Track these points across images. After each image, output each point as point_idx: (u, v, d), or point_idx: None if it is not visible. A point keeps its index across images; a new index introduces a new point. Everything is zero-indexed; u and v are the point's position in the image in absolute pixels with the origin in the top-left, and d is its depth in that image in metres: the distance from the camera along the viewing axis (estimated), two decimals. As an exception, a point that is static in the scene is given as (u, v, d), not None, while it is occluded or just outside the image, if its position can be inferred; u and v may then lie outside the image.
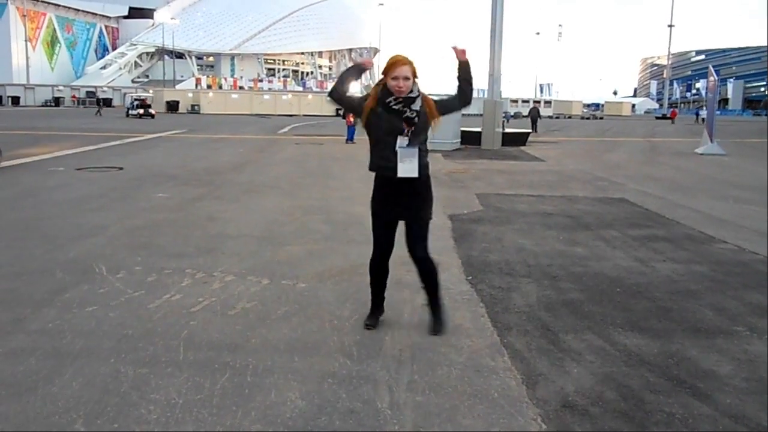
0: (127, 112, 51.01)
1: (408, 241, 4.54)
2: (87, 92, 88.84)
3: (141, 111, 48.50)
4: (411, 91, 4.31)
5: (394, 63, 4.29)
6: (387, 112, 4.33)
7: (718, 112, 32.74)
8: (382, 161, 4.39)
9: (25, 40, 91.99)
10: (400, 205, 4.46)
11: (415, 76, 4.32)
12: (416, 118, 4.33)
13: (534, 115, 41.73)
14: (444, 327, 4.64)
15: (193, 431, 3.23)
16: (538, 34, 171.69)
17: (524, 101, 75.15)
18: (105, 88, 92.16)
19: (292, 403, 3.52)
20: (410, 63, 4.32)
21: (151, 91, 70.26)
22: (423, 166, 4.40)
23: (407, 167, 4.33)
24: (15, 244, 7.11)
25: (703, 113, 68.19)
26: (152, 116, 48.53)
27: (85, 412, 3.36)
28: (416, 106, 4.34)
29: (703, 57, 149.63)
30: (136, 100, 52.30)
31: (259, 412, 3.41)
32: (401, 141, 4.32)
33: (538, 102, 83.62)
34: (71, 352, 4.14)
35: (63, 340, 4.36)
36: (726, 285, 6.04)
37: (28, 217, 8.72)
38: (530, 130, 31.95)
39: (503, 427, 3.34)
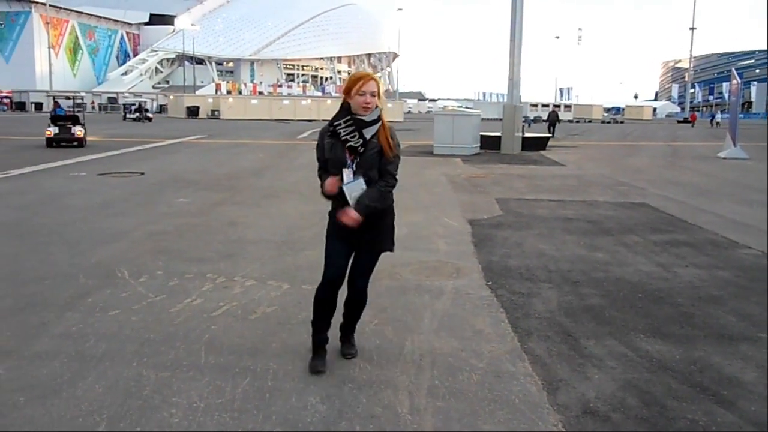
0: (124, 115, 54.64)
1: (352, 270, 4.06)
2: (108, 98, 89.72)
3: (138, 114, 52.44)
4: (372, 114, 3.80)
5: (360, 78, 3.83)
6: (332, 139, 3.86)
7: (741, 116, 32.37)
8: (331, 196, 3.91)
9: (48, 47, 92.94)
10: (354, 235, 3.90)
11: (380, 96, 3.84)
12: (361, 147, 3.78)
13: (552, 119, 41.22)
14: (356, 350, 4.30)
15: (215, 435, 3.25)
16: (557, 37, 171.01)
17: (544, 105, 74.85)
18: (126, 94, 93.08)
19: (312, 407, 3.53)
20: (377, 80, 3.89)
21: (169, 97, 71.34)
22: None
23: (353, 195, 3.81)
24: (39, 249, 7.20)
25: (719, 117, 67.83)
26: (149, 119, 51.72)
27: (108, 415, 3.40)
28: (369, 132, 3.80)
29: (726, 60, 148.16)
30: (132, 104, 56.71)
31: (280, 416, 3.42)
32: (346, 175, 3.81)
33: (558, 106, 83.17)
34: (94, 356, 4.18)
35: (86, 343, 4.41)
36: (750, 291, 5.97)
37: (52, 222, 8.82)
38: (550, 135, 31.77)
39: (524, 433, 3.33)
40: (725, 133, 25.99)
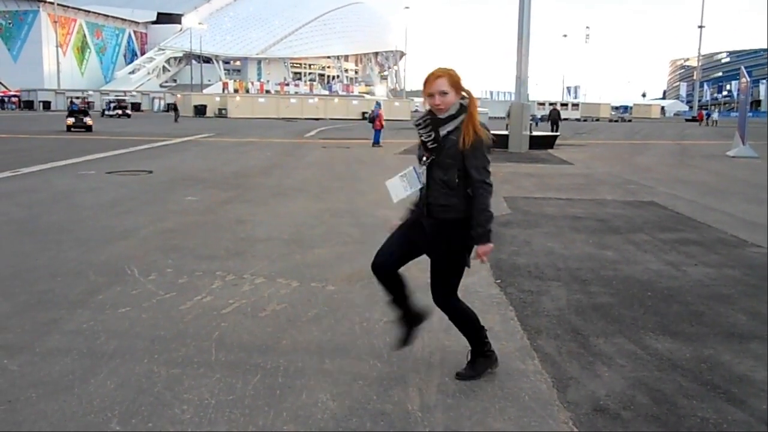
0: (103, 112, 59.94)
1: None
2: (116, 97, 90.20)
3: (119, 111, 58.61)
4: (449, 110, 3.62)
5: (428, 78, 3.65)
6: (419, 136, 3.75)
7: (750, 114, 32.19)
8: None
9: (56, 46, 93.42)
10: (421, 241, 3.84)
11: (458, 89, 3.64)
12: (435, 145, 3.63)
13: (554, 118, 40.01)
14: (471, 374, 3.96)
15: (226, 431, 3.26)
16: (565, 36, 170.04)
17: (551, 104, 74.65)
18: (134, 93, 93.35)
19: (323, 404, 3.54)
20: (448, 74, 3.65)
21: (177, 95, 71.67)
22: (444, 207, 3.66)
23: (397, 189, 3.81)
24: (50, 247, 7.24)
25: (716, 115, 68.03)
26: (128, 116, 57.92)
27: (120, 412, 3.41)
28: (445, 129, 3.63)
29: (733, 58, 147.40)
30: (111, 102, 63.27)
31: (291, 413, 3.44)
32: (419, 168, 3.75)
33: (565, 104, 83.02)
34: (106, 353, 4.21)
35: (97, 340, 4.43)
36: (760, 289, 5.95)
37: (62, 220, 8.87)
38: (558, 133, 31.65)
39: (535, 430, 3.33)
40: (733, 131, 25.89)
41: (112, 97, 71.51)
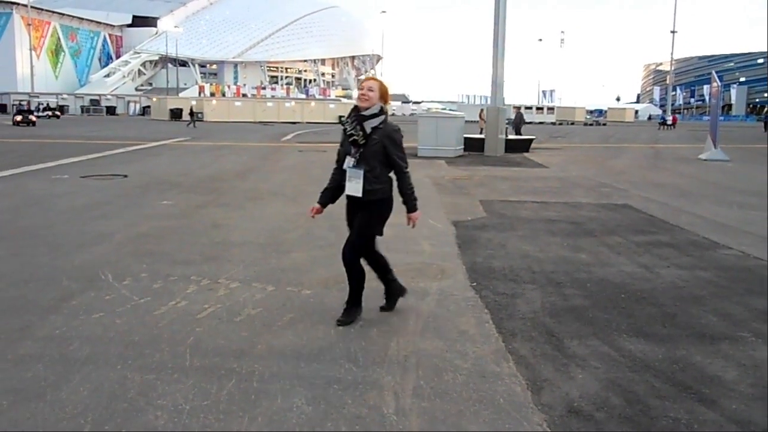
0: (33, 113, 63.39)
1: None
2: (91, 100, 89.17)
3: (49, 113, 65.86)
4: (372, 109, 4.64)
5: (363, 80, 4.83)
6: (344, 133, 4.75)
7: (721, 118, 32.60)
8: (343, 179, 4.84)
9: (30, 49, 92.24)
10: (354, 215, 4.93)
11: (383, 97, 4.70)
12: (362, 140, 4.63)
13: (517, 122, 35.26)
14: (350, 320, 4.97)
15: (201, 437, 3.25)
16: (540, 40, 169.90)
17: (527, 108, 75.02)
18: (109, 96, 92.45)
19: (298, 408, 3.54)
20: (378, 81, 4.76)
21: (152, 99, 71.08)
22: (371, 191, 4.70)
23: (352, 186, 4.73)
24: (22, 252, 7.15)
25: (669, 118, 69.31)
26: (58, 117, 65.83)
27: (93, 418, 3.38)
28: (369, 126, 4.63)
29: (706, 63, 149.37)
30: (40, 104, 70.94)
31: (266, 418, 3.43)
32: (348, 161, 4.71)
33: (541, 108, 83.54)
34: (78, 359, 4.16)
35: (70, 346, 4.38)
36: (730, 291, 6.04)
37: (35, 225, 8.76)
38: (533, 137, 31.57)
39: (509, 432, 3.35)
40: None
41: (41, 99, 77.29)
